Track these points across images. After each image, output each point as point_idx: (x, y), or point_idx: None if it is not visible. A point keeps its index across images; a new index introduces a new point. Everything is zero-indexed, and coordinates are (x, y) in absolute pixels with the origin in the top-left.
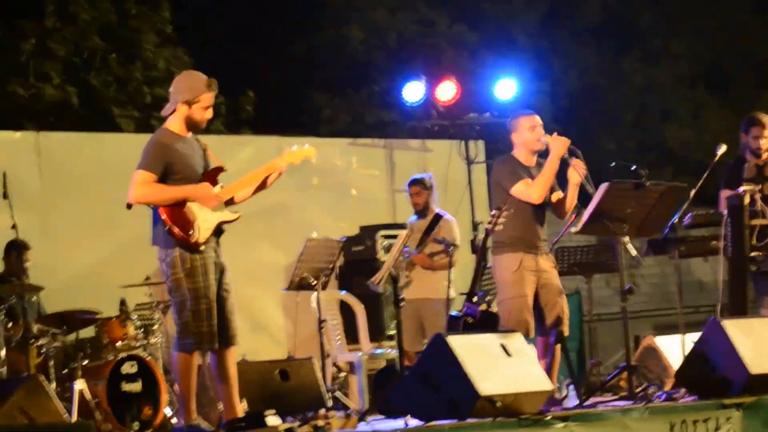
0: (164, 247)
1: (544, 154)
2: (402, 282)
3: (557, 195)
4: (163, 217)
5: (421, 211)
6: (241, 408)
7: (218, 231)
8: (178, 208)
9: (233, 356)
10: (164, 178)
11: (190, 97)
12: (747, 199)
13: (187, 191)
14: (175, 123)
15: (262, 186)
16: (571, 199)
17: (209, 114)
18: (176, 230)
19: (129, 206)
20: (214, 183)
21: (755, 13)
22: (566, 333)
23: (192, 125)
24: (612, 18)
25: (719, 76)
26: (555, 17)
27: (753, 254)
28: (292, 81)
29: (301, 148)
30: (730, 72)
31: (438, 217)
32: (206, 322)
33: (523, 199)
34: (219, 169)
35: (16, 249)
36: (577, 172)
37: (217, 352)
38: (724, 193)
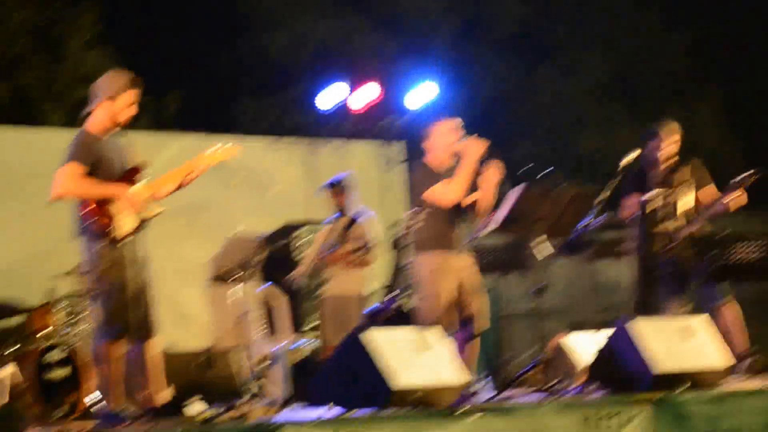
0: (87, 239)
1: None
2: (322, 279)
3: (473, 196)
4: (87, 210)
5: (341, 212)
6: (163, 397)
7: (139, 226)
8: (101, 203)
9: (154, 347)
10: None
11: (113, 93)
12: (655, 204)
13: (112, 192)
14: (96, 122)
15: (181, 184)
16: (488, 200)
17: (133, 111)
18: (99, 224)
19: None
20: (132, 183)
21: (665, 29)
22: (484, 328)
23: (115, 122)
24: (528, 29)
25: (630, 88)
26: (474, 26)
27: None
28: (216, 83)
29: (223, 148)
30: (640, 84)
31: (353, 219)
32: (131, 313)
33: (439, 200)
34: (136, 170)
35: None
36: (494, 174)
37: (136, 344)
38: (626, 200)
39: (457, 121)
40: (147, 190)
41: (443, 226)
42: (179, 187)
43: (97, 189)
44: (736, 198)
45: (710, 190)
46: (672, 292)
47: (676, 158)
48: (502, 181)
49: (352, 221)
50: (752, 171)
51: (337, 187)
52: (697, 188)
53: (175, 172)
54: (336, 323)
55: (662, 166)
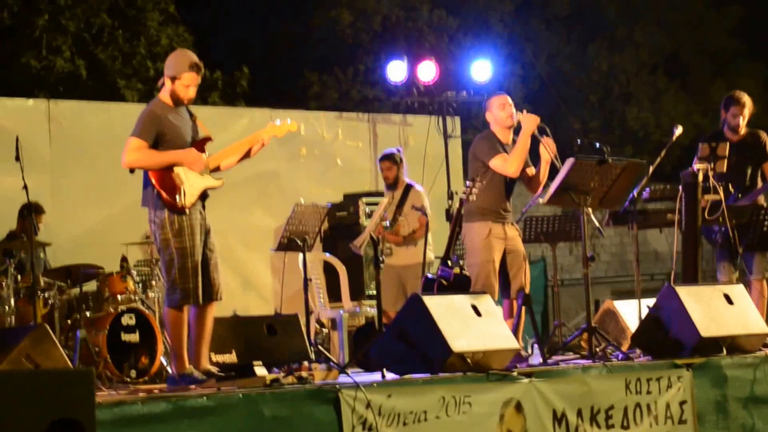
0: (153, 208)
1: (517, 131)
2: (384, 250)
3: (530, 171)
4: (153, 181)
5: (392, 184)
6: (207, 359)
7: (203, 195)
8: (166, 173)
9: (213, 311)
10: (155, 145)
11: (174, 73)
12: (701, 177)
13: (177, 156)
14: (165, 95)
15: (246, 155)
16: (543, 174)
17: (192, 93)
18: (164, 194)
19: (132, 170)
20: (201, 151)
21: (711, 7)
22: (527, 291)
23: (176, 100)
24: (580, 8)
25: (677, 64)
26: (528, 6)
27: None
28: (284, 59)
29: (284, 123)
30: (687, 60)
31: (409, 187)
32: (192, 279)
33: (499, 172)
34: (206, 139)
35: (32, 211)
36: (547, 150)
37: (199, 307)
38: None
39: (509, 99)
40: (212, 161)
41: (496, 197)
42: (241, 159)
43: (160, 158)
44: None
45: (766, 166)
46: (726, 260)
47: (740, 129)
48: (555, 156)
49: (406, 192)
50: None
51: (389, 161)
52: (757, 162)
53: (239, 144)
54: (397, 291)
55: (735, 136)
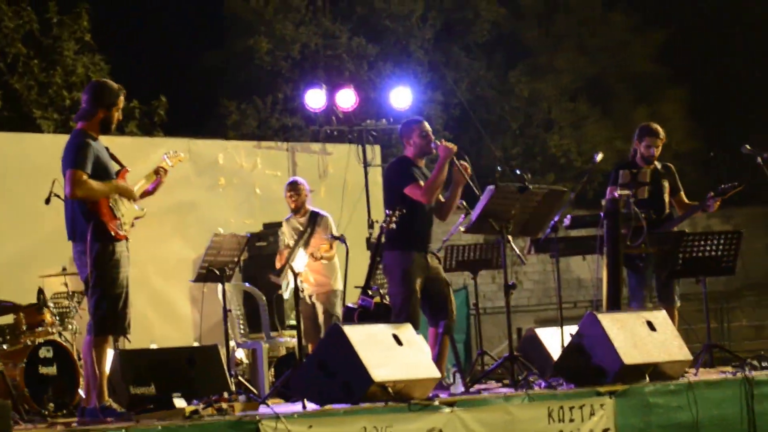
0: (85, 240)
1: (434, 159)
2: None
3: (439, 199)
4: (95, 212)
5: (297, 210)
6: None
7: (132, 226)
8: (106, 204)
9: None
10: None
11: (111, 101)
12: (622, 203)
13: (117, 187)
14: (91, 126)
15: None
16: (456, 197)
17: (121, 116)
18: (108, 225)
19: (47, 201)
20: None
21: (633, 32)
22: (454, 324)
23: (107, 127)
24: (500, 35)
25: (599, 90)
26: (448, 33)
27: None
28: (203, 87)
29: (175, 155)
30: (609, 86)
31: (315, 215)
32: (122, 311)
33: (415, 200)
34: (125, 170)
35: None
36: (463, 174)
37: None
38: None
39: (428, 126)
40: (138, 191)
41: (417, 226)
42: (153, 190)
43: (104, 189)
44: (716, 205)
45: (682, 196)
46: (644, 287)
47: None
48: (471, 180)
49: (313, 219)
50: (737, 183)
51: (298, 187)
52: (671, 193)
53: (149, 173)
54: (314, 321)
55: (644, 166)
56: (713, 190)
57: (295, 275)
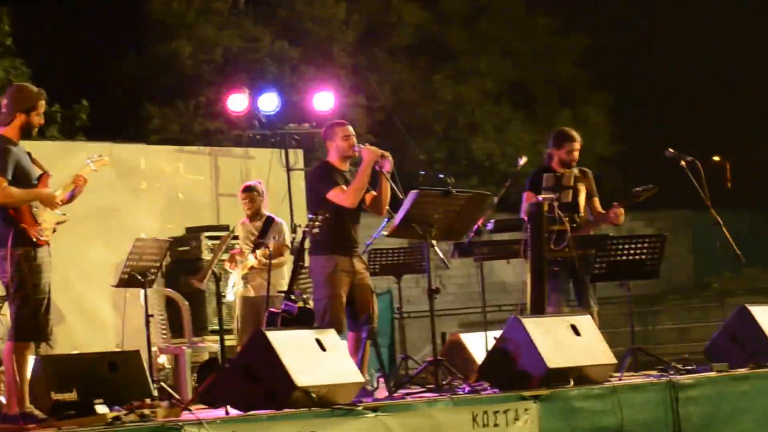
0: (5, 245)
1: (356, 162)
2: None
3: (371, 195)
4: (14, 218)
5: (254, 215)
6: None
7: (53, 231)
8: (26, 210)
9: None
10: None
11: (31, 104)
12: (546, 207)
13: (38, 193)
14: (10, 131)
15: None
16: (385, 192)
17: (42, 120)
18: (28, 230)
19: None
20: (45, 186)
21: (557, 36)
22: (377, 329)
23: (28, 131)
24: (424, 38)
25: (522, 94)
26: (371, 36)
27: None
28: (124, 91)
29: (99, 160)
30: (533, 90)
31: (271, 219)
32: (44, 316)
33: (338, 204)
34: (47, 175)
35: None
36: (386, 179)
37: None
38: (528, 198)
39: (351, 129)
40: (60, 196)
41: (341, 230)
42: (71, 199)
43: (24, 195)
44: (620, 215)
45: (596, 202)
46: (560, 291)
47: (574, 164)
48: (394, 181)
49: (268, 224)
50: (652, 185)
51: (254, 191)
52: (587, 197)
53: (67, 183)
54: (253, 323)
55: (562, 170)
56: (627, 195)
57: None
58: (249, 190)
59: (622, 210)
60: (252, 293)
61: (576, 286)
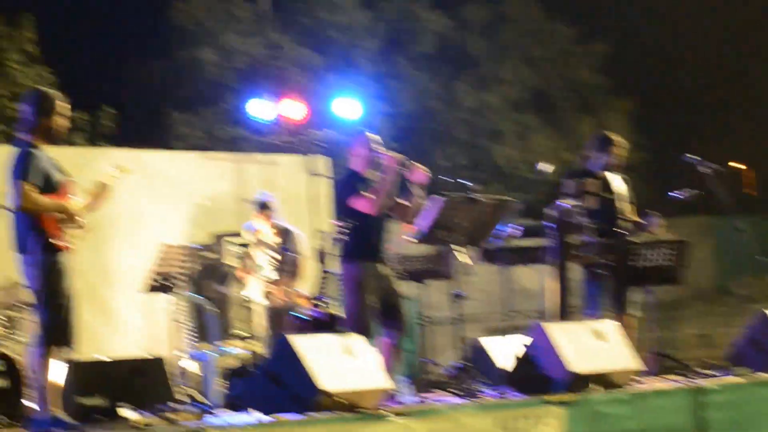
0: (33, 251)
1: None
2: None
3: (399, 202)
4: (40, 224)
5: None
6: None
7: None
8: (52, 216)
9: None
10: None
11: (51, 106)
12: (569, 213)
13: (64, 207)
14: (36, 137)
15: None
16: (415, 202)
17: (68, 124)
18: (54, 237)
19: None
20: (70, 193)
21: (577, 43)
22: (405, 334)
23: (53, 135)
24: (446, 46)
25: (544, 101)
26: (394, 44)
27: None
28: (149, 98)
29: (121, 168)
30: (554, 97)
31: (288, 232)
32: (69, 321)
33: (362, 211)
34: (71, 182)
35: None
36: (420, 175)
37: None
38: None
39: (377, 136)
40: (84, 203)
41: (366, 236)
42: (95, 206)
43: (51, 204)
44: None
45: (632, 209)
46: (600, 296)
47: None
48: (423, 187)
49: (285, 236)
50: (696, 190)
51: (267, 208)
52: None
53: (91, 191)
54: (271, 332)
55: (602, 174)
56: (664, 199)
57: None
58: (262, 207)
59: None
60: (274, 303)
61: (607, 292)
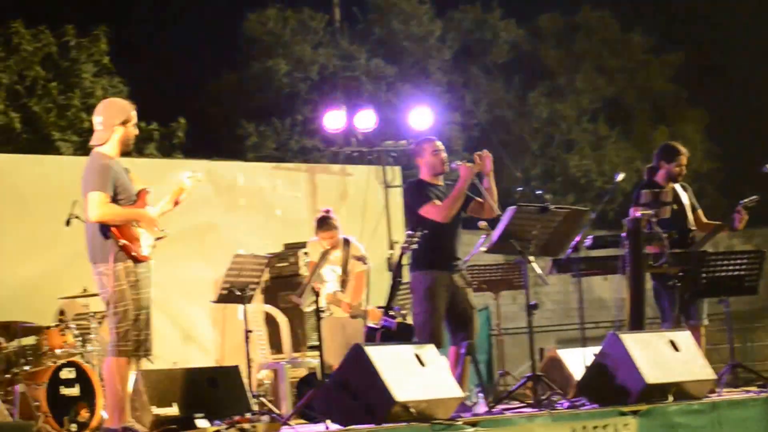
0: (107, 261)
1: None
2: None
3: (476, 201)
4: (116, 234)
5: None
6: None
7: (154, 247)
8: (128, 226)
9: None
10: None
11: (125, 116)
12: (644, 223)
13: (138, 215)
14: (110, 147)
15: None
16: (491, 191)
17: (137, 131)
18: (128, 246)
19: (68, 223)
20: (145, 202)
21: (651, 53)
22: (477, 344)
23: (127, 144)
24: (520, 56)
25: (618, 111)
26: (467, 54)
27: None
28: (221, 109)
29: (194, 176)
30: (629, 107)
31: (347, 242)
32: (144, 331)
33: (431, 219)
34: (146, 191)
35: None
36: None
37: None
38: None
39: (440, 144)
40: (159, 212)
41: (437, 245)
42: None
43: (125, 214)
44: (743, 220)
45: (700, 214)
46: (672, 307)
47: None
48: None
49: (347, 244)
50: (756, 196)
51: (325, 223)
52: (694, 210)
53: (171, 195)
54: (339, 343)
55: (666, 185)
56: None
57: (317, 295)
58: (323, 224)
59: (746, 216)
60: (339, 314)
61: (682, 302)
